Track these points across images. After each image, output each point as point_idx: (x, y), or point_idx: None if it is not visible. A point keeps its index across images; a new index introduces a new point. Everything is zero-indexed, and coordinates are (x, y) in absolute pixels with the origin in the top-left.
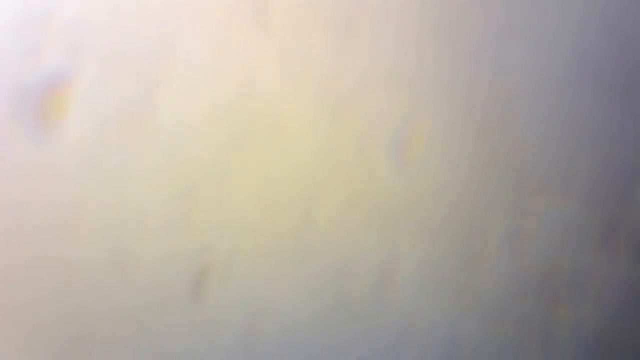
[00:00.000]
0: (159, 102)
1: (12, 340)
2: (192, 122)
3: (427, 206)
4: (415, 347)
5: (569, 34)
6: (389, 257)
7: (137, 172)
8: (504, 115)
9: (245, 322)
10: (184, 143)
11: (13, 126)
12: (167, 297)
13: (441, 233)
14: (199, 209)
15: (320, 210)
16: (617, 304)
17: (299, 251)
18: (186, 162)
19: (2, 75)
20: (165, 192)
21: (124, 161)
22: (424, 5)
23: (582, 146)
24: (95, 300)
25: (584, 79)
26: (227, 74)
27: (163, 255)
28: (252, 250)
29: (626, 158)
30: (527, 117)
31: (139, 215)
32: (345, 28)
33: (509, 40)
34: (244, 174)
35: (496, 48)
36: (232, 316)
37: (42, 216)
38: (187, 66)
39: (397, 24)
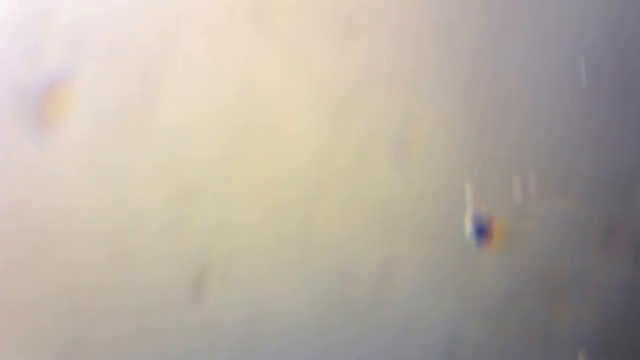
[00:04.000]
0: (159, 102)
1: (12, 340)
2: (192, 122)
3: (427, 206)
4: (415, 347)
5: (569, 34)
6: (389, 257)
7: (137, 172)
8: (504, 115)
9: (245, 322)
10: (184, 143)
11: (13, 126)
12: (167, 297)
13: (441, 233)
14: (199, 208)
15: (320, 210)
16: (617, 304)
17: (299, 251)
18: (186, 162)
19: (2, 75)
20: (165, 192)
21: (124, 161)
22: (424, 5)
23: (582, 146)
24: (95, 300)
25: (584, 79)
26: (227, 74)
27: (163, 255)
28: (252, 250)
29: (626, 158)
30: (527, 117)
31: (139, 215)
32: (345, 28)
33: (509, 40)
34: (244, 174)
35: (496, 48)
36: (232, 316)
37: (42, 216)
38: (187, 66)
39: (396, 24)
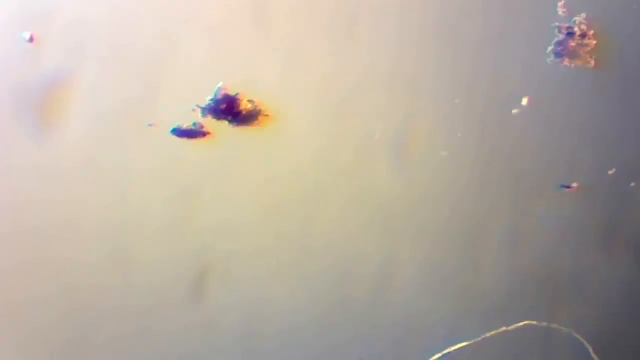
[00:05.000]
0: (159, 102)
1: (12, 340)
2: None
3: (427, 206)
4: (415, 347)
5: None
6: (389, 257)
7: (137, 172)
8: (504, 115)
9: (245, 322)
10: (184, 143)
11: (13, 126)
12: (167, 297)
13: (441, 233)
14: (199, 209)
15: (321, 210)
16: (617, 304)
17: (299, 251)
18: (186, 162)
19: (2, 75)
20: (165, 192)
21: (124, 161)
22: (424, 6)
23: (582, 146)
24: (95, 301)
25: (583, 79)
26: (227, 74)
27: (163, 256)
28: (252, 250)
29: (626, 158)
30: (527, 117)
31: (139, 215)
32: (345, 28)
33: (509, 40)
34: (244, 174)
35: (496, 48)
36: (232, 316)
37: (42, 216)
38: (187, 66)
39: (397, 24)
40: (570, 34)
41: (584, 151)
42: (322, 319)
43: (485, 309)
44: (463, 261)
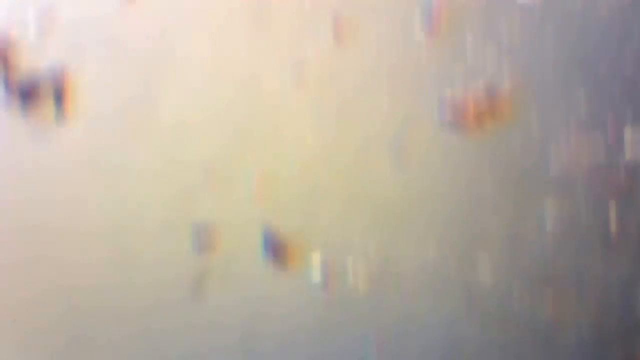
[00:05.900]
0: (159, 102)
1: (12, 340)
2: (192, 122)
3: (427, 206)
4: (415, 347)
5: (569, 33)
6: (389, 257)
7: (137, 172)
8: (504, 115)
9: (245, 322)
10: (184, 142)
11: (13, 126)
12: (167, 297)
13: (441, 233)
14: (199, 209)
15: (321, 211)
16: (617, 304)
17: (299, 251)
18: (186, 162)
19: (2, 75)
20: (165, 192)
21: (124, 161)
22: (425, 6)
23: (582, 146)
24: (95, 300)
25: (584, 78)
26: (227, 74)
27: (163, 256)
28: (252, 250)
29: (625, 158)
30: (527, 116)
31: (139, 216)
32: (345, 28)
33: (509, 40)
34: (244, 174)
35: (496, 48)
36: (232, 316)
37: (42, 216)
38: (187, 66)
39: (397, 24)
40: None
41: (585, 151)
42: (322, 319)
43: (485, 309)
44: (463, 261)
